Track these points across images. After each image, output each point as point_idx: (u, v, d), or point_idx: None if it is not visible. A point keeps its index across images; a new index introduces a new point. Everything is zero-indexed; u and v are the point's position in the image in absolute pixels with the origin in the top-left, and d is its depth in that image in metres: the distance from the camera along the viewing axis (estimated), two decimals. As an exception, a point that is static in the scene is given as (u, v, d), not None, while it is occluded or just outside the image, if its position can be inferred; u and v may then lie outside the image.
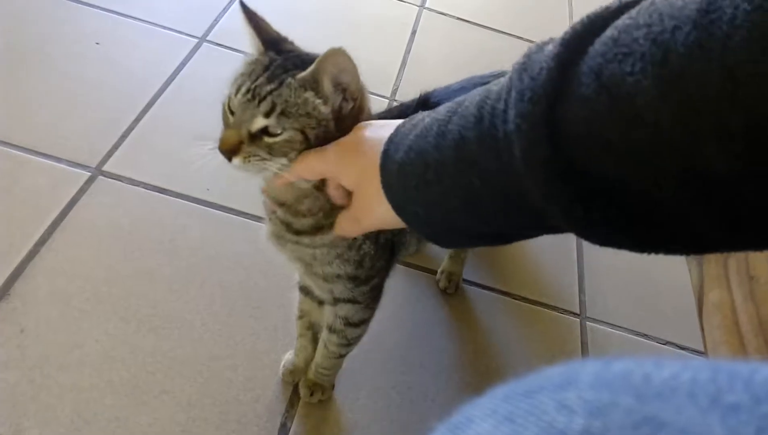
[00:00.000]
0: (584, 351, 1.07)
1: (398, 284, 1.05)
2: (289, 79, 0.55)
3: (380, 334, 0.97)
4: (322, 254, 0.66)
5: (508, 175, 0.38)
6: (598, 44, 0.34)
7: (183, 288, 0.95)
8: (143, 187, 1.06)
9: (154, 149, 1.12)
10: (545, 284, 1.15)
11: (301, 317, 0.86)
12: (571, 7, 1.90)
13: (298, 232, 0.65)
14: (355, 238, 0.64)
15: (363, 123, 0.57)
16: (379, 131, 0.52)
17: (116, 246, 0.97)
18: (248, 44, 0.63)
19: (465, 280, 1.10)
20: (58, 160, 1.05)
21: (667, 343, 1.11)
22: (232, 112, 0.59)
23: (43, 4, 1.32)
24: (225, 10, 1.47)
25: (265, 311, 0.95)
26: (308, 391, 0.86)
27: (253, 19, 0.61)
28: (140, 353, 0.86)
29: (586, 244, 1.28)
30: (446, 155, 0.42)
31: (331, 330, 0.77)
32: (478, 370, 0.99)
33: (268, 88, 0.55)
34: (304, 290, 0.83)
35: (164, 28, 1.36)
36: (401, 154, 0.46)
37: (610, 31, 0.33)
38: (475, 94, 0.42)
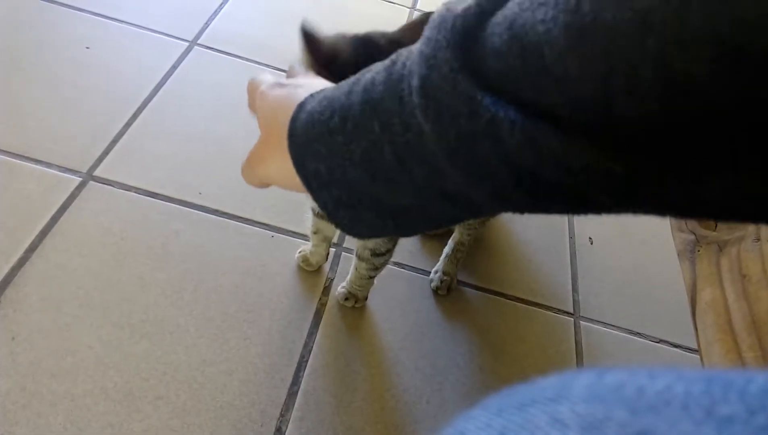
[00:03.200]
0: (578, 350, 1.07)
1: (392, 286, 1.05)
2: None
3: (374, 336, 0.97)
4: None
5: (407, 116, 0.35)
6: None
7: (176, 293, 0.94)
8: (134, 192, 1.05)
9: (146, 154, 1.12)
10: (539, 284, 1.16)
11: (315, 233, 0.97)
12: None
13: None
14: None
15: None
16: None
17: (108, 251, 0.96)
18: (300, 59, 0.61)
19: (458, 281, 1.10)
20: (49, 165, 1.04)
21: (660, 341, 1.12)
22: None
23: (32, 8, 1.31)
24: (216, 13, 1.46)
25: (260, 315, 0.95)
26: (344, 297, 1.00)
27: (311, 43, 0.60)
28: (134, 359, 0.86)
29: (580, 245, 1.29)
30: (353, 100, 0.38)
31: (361, 259, 0.91)
32: (473, 371, 0.99)
33: None
34: (318, 213, 0.92)
35: (155, 31, 1.36)
36: (315, 103, 0.41)
37: None
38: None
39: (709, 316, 0.73)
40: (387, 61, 0.38)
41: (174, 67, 1.29)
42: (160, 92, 1.23)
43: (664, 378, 0.19)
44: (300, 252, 1.04)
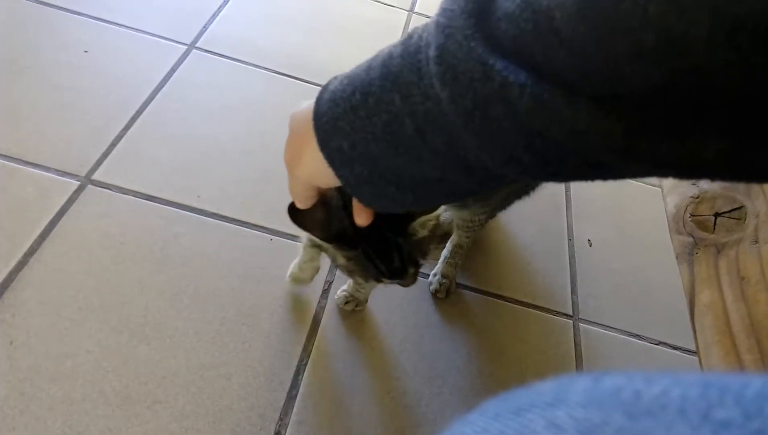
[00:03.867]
0: (577, 352, 1.07)
1: (390, 289, 1.05)
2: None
3: (373, 339, 0.97)
4: None
5: (425, 86, 0.37)
6: None
7: (175, 297, 0.94)
8: (133, 196, 1.05)
9: (144, 157, 1.12)
10: (538, 286, 1.16)
11: (313, 246, 0.89)
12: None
13: None
14: None
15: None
16: None
17: (107, 255, 0.96)
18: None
19: (457, 284, 1.10)
20: (47, 169, 1.04)
21: (659, 343, 1.12)
22: None
23: (30, 12, 1.31)
24: (214, 16, 1.46)
25: (258, 319, 0.95)
26: (344, 301, 0.99)
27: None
28: (132, 363, 0.85)
29: (579, 247, 1.29)
30: (373, 76, 0.40)
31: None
32: (472, 373, 0.98)
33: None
34: None
35: (152, 35, 1.36)
36: (336, 83, 0.44)
37: None
38: None
39: (707, 318, 0.73)
40: (404, 37, 0.39)
41: (172, 71, 1.29)
42: (159, 96, 1.23)
43: (661, 382, 0.19)
44: (291, 273, 0.99)
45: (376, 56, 0.41)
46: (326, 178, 0.46)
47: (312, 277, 1.00)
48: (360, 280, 0.90)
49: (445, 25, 0.35)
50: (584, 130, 0.31)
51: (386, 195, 0.44)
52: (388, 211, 0.48)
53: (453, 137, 0.37)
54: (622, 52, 0.28)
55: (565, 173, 0.35)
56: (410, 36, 0.39)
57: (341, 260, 0.74)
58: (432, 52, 0.35)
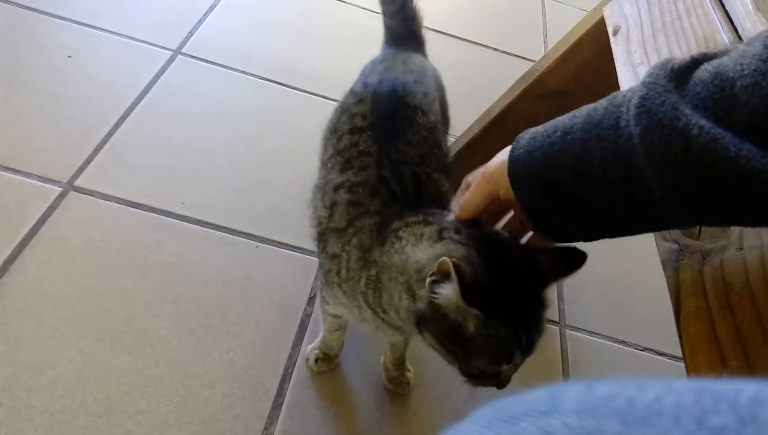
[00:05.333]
0: (564, 359, 1.07)
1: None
2: None
3: (359, 347, 0.97)
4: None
5: (621, 128, 0.45)
6: (734, 51, 0.43)
7: (158, 305, 0.93)
8: (116, 202, 1.04)
9: (128, 163, 1.10)
10: (525, 293, 1.16)
11: (336, 317, 0.86)
12: (544, 18, 1.92)
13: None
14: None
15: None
16: None
17: (89, 263, 0.95)
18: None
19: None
20: (29, 175, 1.03)
21: (645, 349, 1.12)
22: None
23: (13, 16, 1.30)
24: (200, 22, 1.45)
25: (243, 327, 0.94)
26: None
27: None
28: (114, 372, 0.84)
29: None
30: (576, 121, 0.49)
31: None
32: (460, 380, 0.98)
33: None
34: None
35: (138, 40, 1.35)
36: (539, 127, 0.53)
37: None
38: None
39: (693, 324, 0.73)
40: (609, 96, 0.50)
41: (157, 76, 1.28)
42: (143, 101, 1.22)
43: (655, 389, 0.19)
44: (313, 353, 0.92)
45: (581, 109, 0.50)
46: (506, 192, 0.55)
47: (340, 351, 0.93)
48: (445, 355, 0.68)
49: (649, 82, 0.45)
50: (744, 165, 0.40)
51: (557, 216, 0.53)
52: (555, 231, 0.57)
53: (631, 170, 0.45)
54: None
55: (718, 211, 0.44)
56: (615, 95, 0.48)
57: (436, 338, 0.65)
58: (635, 101, 0.45)
